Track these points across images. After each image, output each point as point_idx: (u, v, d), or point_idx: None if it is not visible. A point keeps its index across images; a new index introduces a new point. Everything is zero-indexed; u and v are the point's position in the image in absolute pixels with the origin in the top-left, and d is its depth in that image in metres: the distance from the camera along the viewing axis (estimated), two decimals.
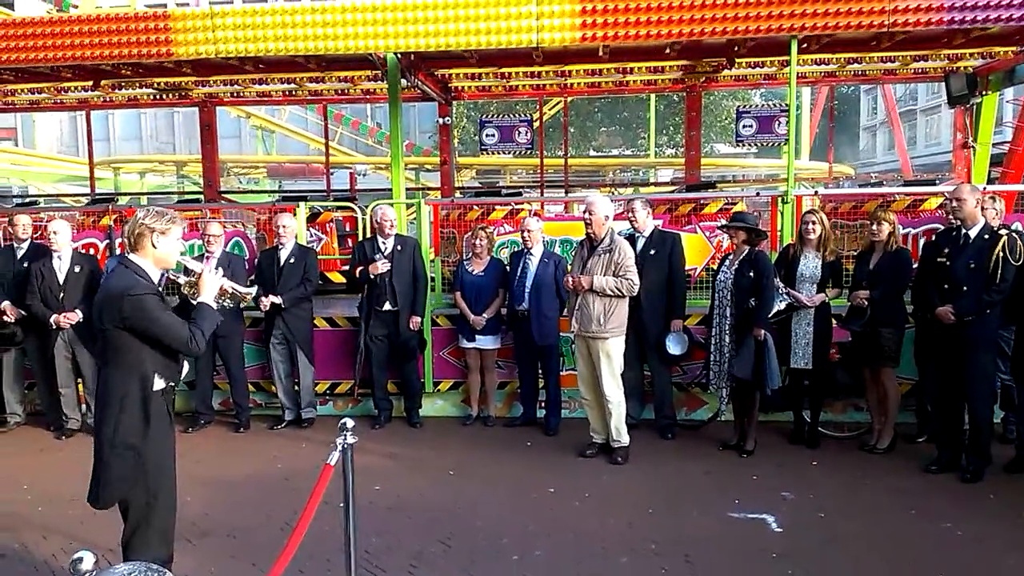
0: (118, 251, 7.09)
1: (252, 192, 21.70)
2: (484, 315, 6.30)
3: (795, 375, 5.67)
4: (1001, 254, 4.77)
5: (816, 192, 7.14)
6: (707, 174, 15.34)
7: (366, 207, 7.47)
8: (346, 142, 25.92)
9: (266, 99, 10.87)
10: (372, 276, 6.22)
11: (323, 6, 6.18)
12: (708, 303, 5.87)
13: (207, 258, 6.13)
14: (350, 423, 3.42)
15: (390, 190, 7.52)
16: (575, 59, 8.09)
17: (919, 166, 27.32)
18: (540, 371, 6.34)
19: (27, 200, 15.84)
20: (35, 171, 22.40)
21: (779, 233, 6.40)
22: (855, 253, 5.92)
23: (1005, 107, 16.80)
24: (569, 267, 5.85)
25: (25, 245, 6.44)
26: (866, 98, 40.98)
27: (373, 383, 6.47)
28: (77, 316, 6.13)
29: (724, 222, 6.01)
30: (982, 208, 5.00)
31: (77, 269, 6.21)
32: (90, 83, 8.43)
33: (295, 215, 6.77)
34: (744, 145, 9.73)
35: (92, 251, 7.43)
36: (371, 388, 6.53)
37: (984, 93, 8.19)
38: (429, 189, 14.91)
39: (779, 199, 6.45)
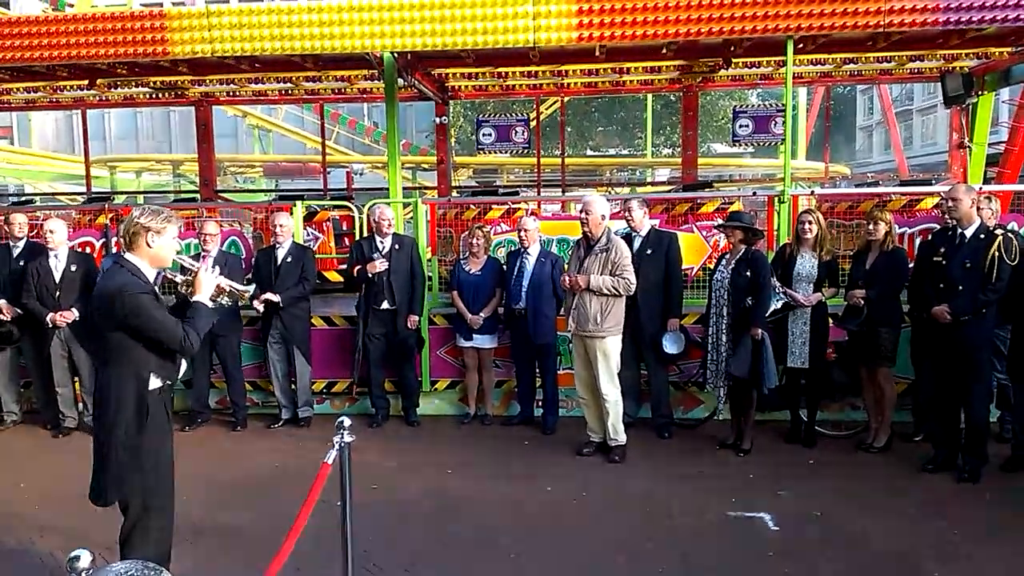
0: (114, 250, 7.09)
1: (248, 191, 21.69)
2: (481, 314, 6.31)
3: (792, 374, 5.68)
4: (997, 254, 4.77)
5: (812, 192, 7.15)
6: (704, 174, 15.31)
7: (363, 206, 7.47)
8: (343, 141, 25.93)
9: (262, 98, 10.86)
10: (370, 275, 6.23)
11: (319, 5, 6.18)
12: (705, 302, 5.87)
13: (203, 257, 6.12)
14: (347, 422, 3.43)
15: (387, 189, 7.51)
16: (572, 59, 8.10)
17: (915, 166, 27.41)
18: (537, 370, 6.34)
19: (23, 199, 15.78)
20: (31, 169, 22.32)
21: (775, 233, 6.42)
22: (851, 253, 5.92)
23: (1001, 107, 16.82)
24: (566, 266, 5.86)
25: (21, 244, 6.44)
26: (862, 98, 41.08)
27: (371, 382, 6.47)
28: (73, 315, 6.13)
29: (721, 221, 6.02)
30: (978, 208, 5.01)
31: (73, 268, 6.21)
32: (86, 82, 8.41)
33: (292, 214, 6.77)
34: (740, 145, 9.71)
35: (88, 250, 7.44)
36: (368, 387, 6.52)
37: (980, 93, 8.22)
38: (426, 188, 14.88)
39: (775, 199, 6.47)
